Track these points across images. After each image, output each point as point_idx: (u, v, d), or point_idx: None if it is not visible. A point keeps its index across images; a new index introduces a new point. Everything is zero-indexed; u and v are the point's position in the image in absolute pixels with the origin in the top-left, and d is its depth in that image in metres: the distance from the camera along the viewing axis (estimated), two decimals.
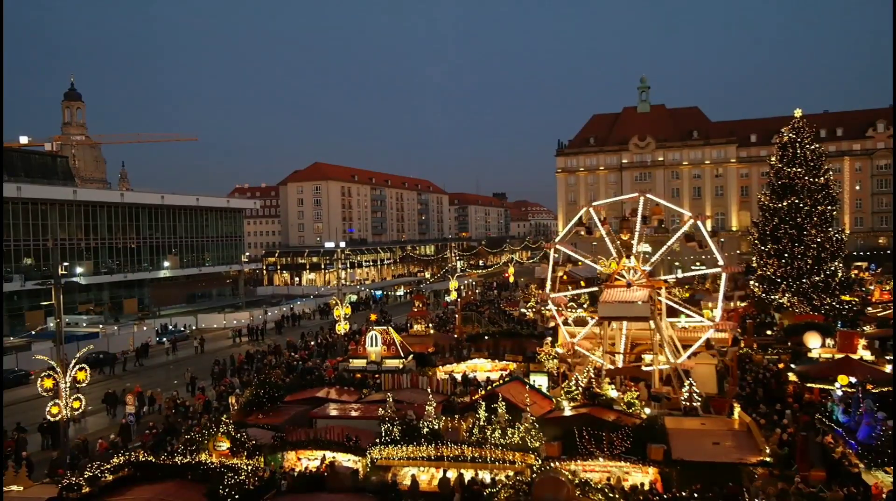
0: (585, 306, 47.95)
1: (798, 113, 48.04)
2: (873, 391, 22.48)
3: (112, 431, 29.16)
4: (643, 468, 18.85)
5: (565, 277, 40.52)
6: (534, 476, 17.74)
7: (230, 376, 40.48)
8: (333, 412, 24.25)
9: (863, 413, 19.19)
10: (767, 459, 18.77)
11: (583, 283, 46.76)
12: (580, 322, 35.60)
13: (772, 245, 46.34)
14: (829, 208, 45.55)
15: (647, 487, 18.12)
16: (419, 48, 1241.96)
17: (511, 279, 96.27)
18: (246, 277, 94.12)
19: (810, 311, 42.70)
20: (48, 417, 23.03)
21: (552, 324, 37.13)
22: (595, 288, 34.65)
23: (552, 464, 18.42)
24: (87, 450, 25.86)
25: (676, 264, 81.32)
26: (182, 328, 61.24)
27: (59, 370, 22.51)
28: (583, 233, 32.97)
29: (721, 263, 28.85)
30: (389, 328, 35.30)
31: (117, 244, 76.74)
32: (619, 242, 30.40)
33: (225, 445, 19.78)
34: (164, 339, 54.88)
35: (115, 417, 33.15)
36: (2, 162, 62.97)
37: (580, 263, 37.68)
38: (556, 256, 33.84)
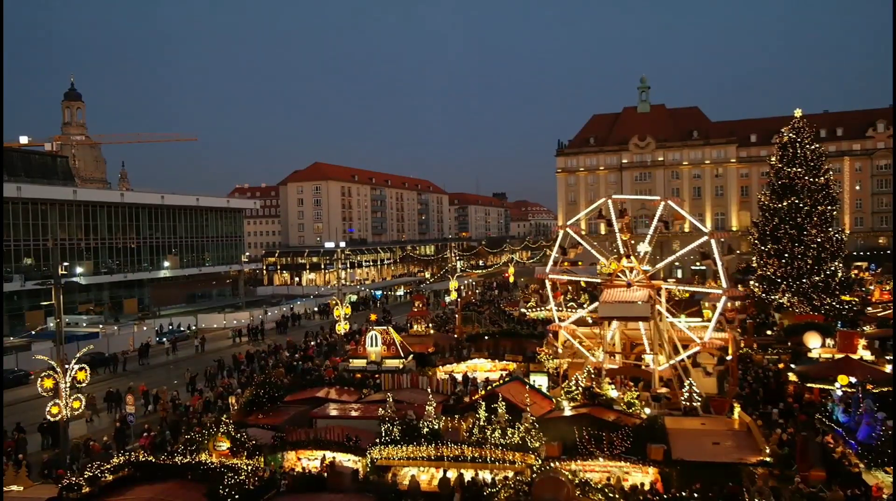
0: (585, 306, 47.92)
1: (798, 113, 48.06)
2: (873, 391, 22.51)
3: (111, 431, 29.11)
4: (643, 468, 18.85)
5: (566, 276, 40.44)
6: (534, 476, 17.75)
7: (227, 376, 40.45)
8: (333, 412, 24.23)
9: (863, 413, 19.23)
10: (767, 459, 18.77)
11: (583, 283, 46.75)
12: (580, 323, 35.57)
13: (772, 245, 46.37)
14: (829, 208, 45.59)
15: (647, 487, 18.14)
16: (419, 48, 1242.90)
17: (511, 279, 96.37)
18: (246, 277, 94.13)
19: (810, 311, 42.72)
20: (48, 417, 23.05)
21: (544, 312, 37.16)
22: (596, 279, 34.81)
23: (552, 464, 18.41)
24: (89, 450, 25.86)
25: (677, 264, 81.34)
26: (183, 329, 61.24)
27: (59, 370, 22.53)
28: (595, 222, 33.05)
29: (725, 285, 28.59)
30: (389, 328, 35.33)
31: (117, 244, 76.74)
32: (620, 240, 30.43)
33: (225, 445, 19.78)
34: (164, 339, 54.87)
35: (116, 417, 33.11)
36: (2, 162, 62.93)
37: (580, 262, 37.69)
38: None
